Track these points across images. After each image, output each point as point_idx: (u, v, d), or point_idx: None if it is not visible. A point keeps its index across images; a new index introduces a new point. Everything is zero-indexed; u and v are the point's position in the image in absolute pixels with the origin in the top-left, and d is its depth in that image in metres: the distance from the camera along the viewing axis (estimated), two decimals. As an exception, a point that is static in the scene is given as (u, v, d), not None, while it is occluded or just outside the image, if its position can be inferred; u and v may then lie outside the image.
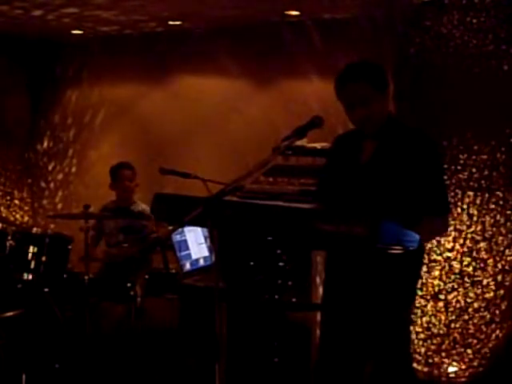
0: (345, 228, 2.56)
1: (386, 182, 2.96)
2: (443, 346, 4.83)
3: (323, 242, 2.74)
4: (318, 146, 4.98)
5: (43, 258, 4.87)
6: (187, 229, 4.51)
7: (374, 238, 2.45)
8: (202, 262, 4.64)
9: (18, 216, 7.49)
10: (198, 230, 4.69)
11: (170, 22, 6.41)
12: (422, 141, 3.02)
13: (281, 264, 4.22)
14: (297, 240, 2.92)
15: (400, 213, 2.81)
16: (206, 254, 4.69)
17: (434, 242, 4.78)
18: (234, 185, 2.56)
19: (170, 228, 2.64)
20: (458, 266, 4.82)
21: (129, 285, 4.90)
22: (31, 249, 4.88)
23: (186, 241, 4.56)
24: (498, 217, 4.81)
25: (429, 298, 4.83)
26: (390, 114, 3.13)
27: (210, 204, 2.50)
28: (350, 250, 2.84)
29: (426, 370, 4.87)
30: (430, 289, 4.82)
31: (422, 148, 2.99)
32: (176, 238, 4.44)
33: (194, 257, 4.58)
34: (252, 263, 4.16)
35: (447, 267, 4.83)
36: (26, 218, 7.61)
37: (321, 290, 4.56)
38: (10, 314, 4.73)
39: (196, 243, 4.66)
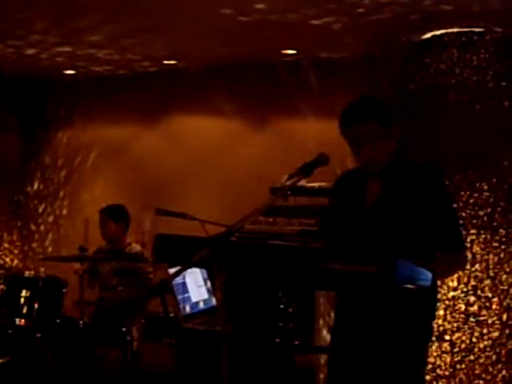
0: (357, 267, 2.55)
1: (396, 224, 2.88)
2: (449, 389, 4.74)
3: (334, 282, 2.68)
4: (317, 185, 4.93)
5: (36, 303, 4.77)
6: (187, 271, 4.40)
7: (388, 277, 2.43)
8: (201, 305, 4.52)
9: (7, 259, 7.35)
10: (198, 272, 4.59)
11: (165, 62, 6.39)
12: (430, 175, 2.94)
13: (282, 306, 4.12)
14: (305, 280, 2.84)
15: (414, 251, 2.74)
16: (206, 296, 4.58)
17: (438, 281, 4.69)
18: (238, 226, 2.49)
19: (177, 269, 2.54)
20: (462, 305, 4.75)
21: (124, 329, 4.79)
22: (24, 293, 4.79)
23: (185, 283, 4.45)
24: (502, 255, 4.78)
25: (434, 338, 4.73)
26: (395, 152, 3.05)
27: (217, 245, 2.44)
28: (362, 289, 2.76)
29: (432, 412, 4.76)
30: (435, 329, 4.73)
31: (431, 182, 2.92)
32: (175, 280, 4.33)
33: (193, 300, 4.47)
34: (254, 305, 4.07)
35: (452, 307, 4.76)
36: (16, 262, 7.46)
37: (324, 332, 4.48)
38: (1, 360, 4.60)
39: (195, 286, 4.56)
